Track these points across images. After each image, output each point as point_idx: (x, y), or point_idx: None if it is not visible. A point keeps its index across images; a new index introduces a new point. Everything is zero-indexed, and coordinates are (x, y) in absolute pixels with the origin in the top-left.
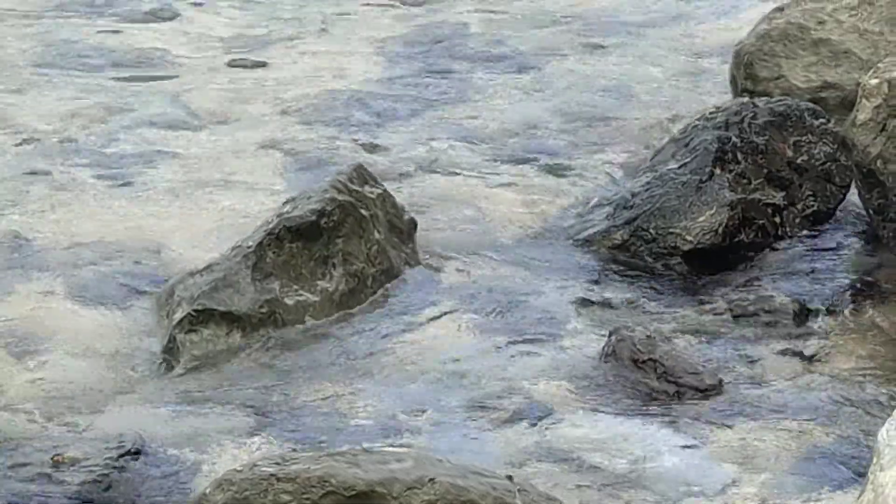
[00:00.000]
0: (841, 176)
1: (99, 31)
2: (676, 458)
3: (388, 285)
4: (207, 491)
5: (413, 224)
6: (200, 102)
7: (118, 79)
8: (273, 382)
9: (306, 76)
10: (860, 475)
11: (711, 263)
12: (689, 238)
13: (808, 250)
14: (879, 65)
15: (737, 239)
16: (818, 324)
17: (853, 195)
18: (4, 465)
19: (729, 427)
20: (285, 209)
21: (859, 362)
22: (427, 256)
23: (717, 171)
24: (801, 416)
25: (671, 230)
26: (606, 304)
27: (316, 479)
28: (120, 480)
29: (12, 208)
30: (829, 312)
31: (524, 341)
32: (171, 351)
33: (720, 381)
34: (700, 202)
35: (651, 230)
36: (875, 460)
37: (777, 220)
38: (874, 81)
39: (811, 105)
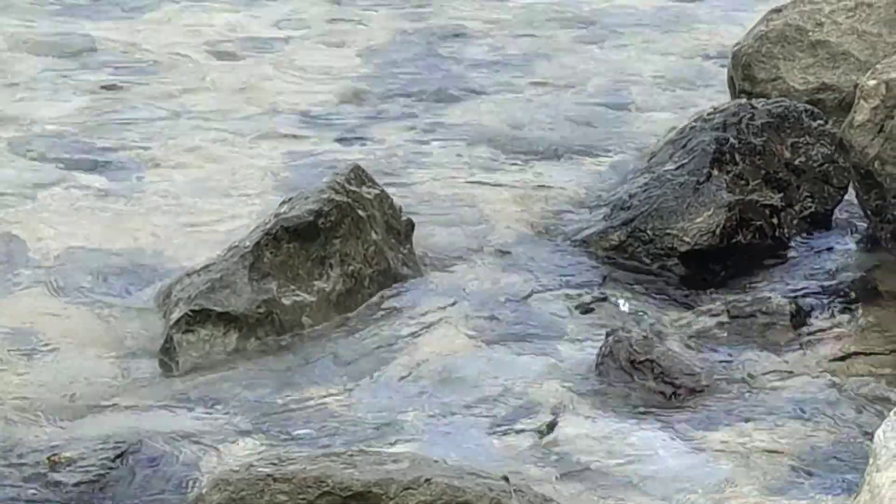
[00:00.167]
0: (839, 177)
1: (96, 31)
2: (673, 458)
3: (385, 286)
4: (204, 491)
5: (410, 225)
6: (196, 102)
7: (113, 79)
8: (270, 383)
9: (303, 76)
10: (857, 476)
11: (709, 265)
12: (686, 239)
13: (805, 252)
14: (877, 66)
15: (734, 240)
16: (815, 325)
17: (851, 196)
18: (0, 465)
19: (726, 428)
20: (282, 209)
21: (857, 364)
22: (424, 258)
23: (715, 172)
24: (798, 417)
25: (668, 231)
26: (603, 306)
27: (312, 479)
28: (116, 480)
29: (9, 209)
30: (827, 314)
31: (521, 342)
32: (168, 351)
33: (716, 381)
34: (697, 203)
35: (648, 231)
36: (871, 461)
37: (775, 221)
38: (872, 83)
39: (809, 106)
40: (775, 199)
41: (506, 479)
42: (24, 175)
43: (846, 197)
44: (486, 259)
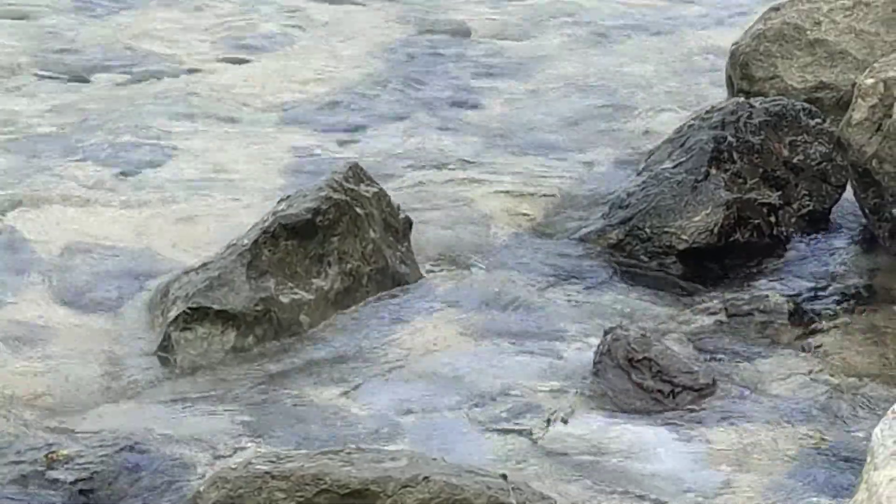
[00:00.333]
0: (836, 176)
1: (96, 29)
2: (671, 458)
3: (383, 284)
4: (202, 489)
5: (408, 223)
6: (194, 101)
7: (112, 77)
8: (268, 381)
9: (302, 75)
10: (855, 476)
11: (707, 263)
12: (684, 237)
13: (803, 250)
14: (875, 65)
15: (732, 238)
16: (813, 324)
17: (849, 195)
18: None
19: (724, 428)
20: (281, 207)
21: (855, 362)
22: (422, 256)
23: (713, 170)
24: (796, 416)
25: (666, 229)
26: (601, 304)
27: (310, 477)
28: (114, 478)
29: (6, 207)
30: (825, 312)
31: (518, 341)
32: (165, 349)
33: (714, 380)
34: (696, 202)
35: (646, 229)
36: (869, 459)
37: (772, 219)
38: (870, 81)
39: (807, 105)
40: (773, 197)
41: (504, 476)
42: (22, 174)
43: (844, 195)
44: (484, 257)
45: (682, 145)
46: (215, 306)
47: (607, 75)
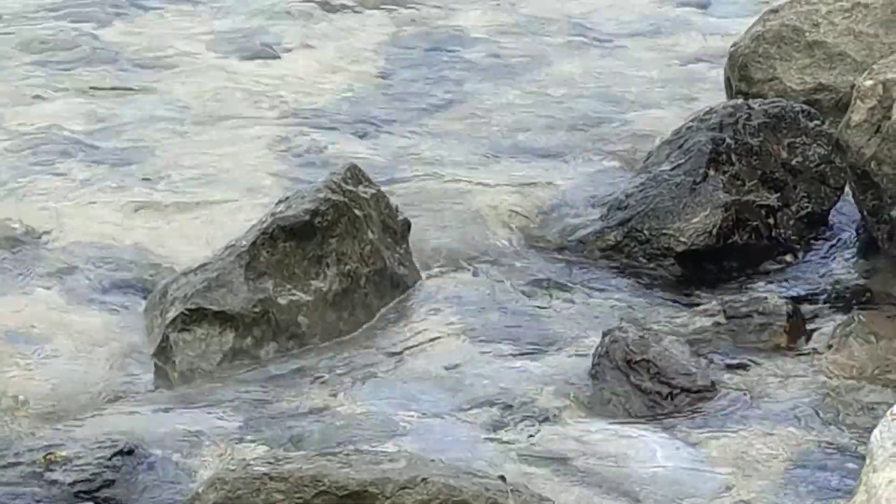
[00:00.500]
0: (835, 177)
1: (97, 29)
2: (670, 462)
3: (382, 286)
4: (200, 490)
5: (407, 225)
6: (196, 102)
7: (113, 77)
8: (266, 382)
9: (303, 77)
10: (855, 480)
11: (705, 265)
12: (682, 239)
13: (802, 252)
14: (874, 66)
15: (731, 240)
16: (812, 326)
17: (847, 197)
18: None
19: (723, 431)
20: (279, 209)
21: (853, 365)
22: (421, 258)
23: (711, 172)
24: (794, 418)
25: (665, 231)
26: (599, 305)
27: (308, 478)
28: (112, 479)
29: (6, 208)
30: (823, 315)
31: (516, 343)
32: (164, 350)
33: (713, 382)
34: (694, 203)
35: (645, 231)
36: (868, 461)
37: (771, 221)
38: (868, 83)
39: (805, 107)
40: (772, 199)
41: (502, 478)
42: (21, 174)
43: (843, 197)
44: (482, 259)
45: (680, 147)
46: (213, 307)
47: (606, 78)
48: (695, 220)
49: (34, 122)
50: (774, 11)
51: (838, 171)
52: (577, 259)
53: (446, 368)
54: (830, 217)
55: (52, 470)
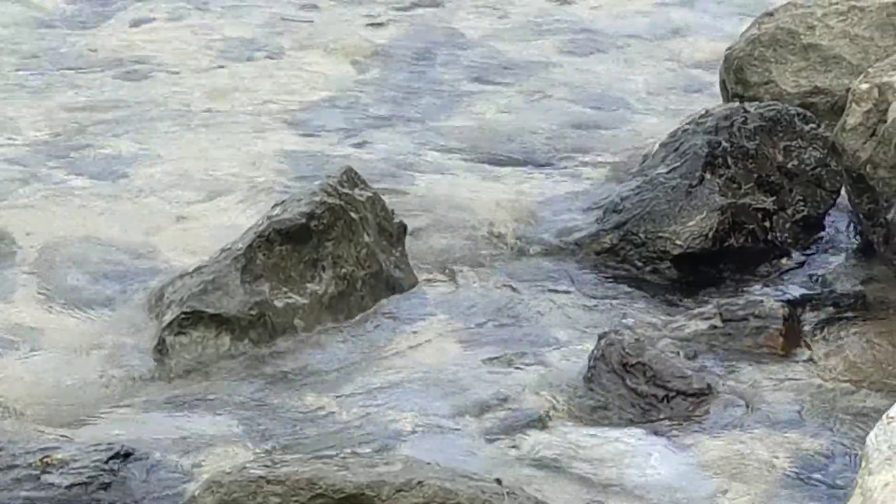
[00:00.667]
0: (831, 181)
1: (88, 35)
2: (665, 466)
3: (377, 289)
4: (197, 493)
5: (403, 228)
6: (188, 106)
7: (105, 81)
8: (262, 385)
9: (296, 80)
10: (850, 484)
11: (701, 268)
12: (678, 242)
13: (797, 255)
14: (869, 70)
15: (727, 243)
16: (807, 329)
17: (843, 200)
18: None
19: (718, 434)
20: (275, 212)
21: (849, 368)
22: (416, 261)
23: (708, 175)
24: (789, 422)
25: (661, 234)
26: (595, 309)
27: (305, 481)
28: (108, 482)
29: (2, 210)
30: (819, 318)
31: (512, 345)
32: (160, 353)
33: (709, 385)
34: (690, 206)
35: (641, 234)
36: (863, 464)
37: (767, 224)
38: (864, 86)
39: (801, 110)
40: (768, 202)
41: (498, 481)
42: (16, 177)
43: (838, 200)
44: (479, 262)
45: (676, 150)
46: (210, 310)
47: (602, 81)
48: (691, 223)
49: (25, 122)
50: (770, 14)
51: (834, 174)
52: (573, 262)
53: (442, 372)
54: (826, 220)
55: (48, 473)
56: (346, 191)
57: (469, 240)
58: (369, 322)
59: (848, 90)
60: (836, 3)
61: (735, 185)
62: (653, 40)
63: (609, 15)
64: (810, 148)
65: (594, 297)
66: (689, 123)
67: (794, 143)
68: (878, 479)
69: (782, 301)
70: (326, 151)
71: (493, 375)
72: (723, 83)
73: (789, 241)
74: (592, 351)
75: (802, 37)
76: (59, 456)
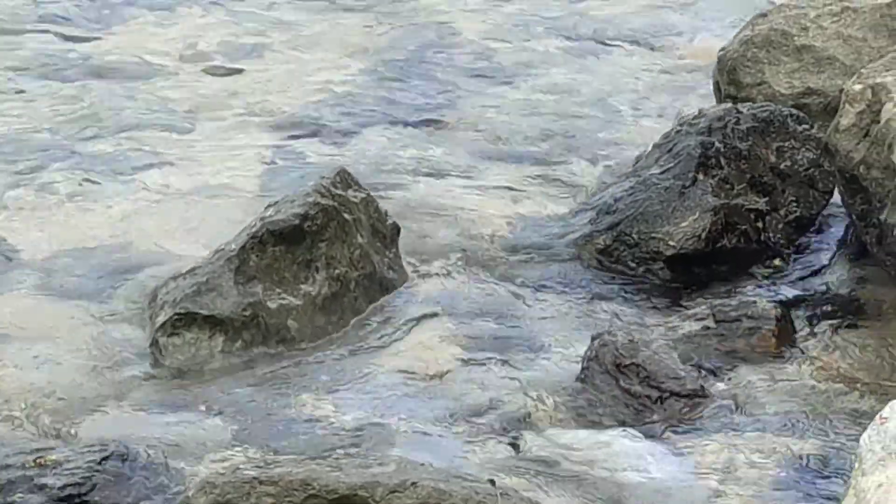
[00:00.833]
0: (824, 181)
1: (79, 39)
2: (659, 468)
3: (371, 290)
4: (190, 494)
5: (396, 229)
6: (180, 109)
7: (97, 84)
8: (255, 386)
9: (290, 82)
10: (843, 484)
11: (694, 269)
12: (671, 243)
13: (791, 256)
14: (863, 70)
15: (720, 244)
16: (801, 330)
17: (836, 201)
18: None
19: (711, 435)
20: (268, 213)
21: (842, 369)
22: (409, 263)
23: (701, 176)
24: (783, 423)
25: (654, 235)
26: (588, 309)
27: (298, 482)
28: (102, 483)
29: None
30: (812, 319)
31: (505, 347)
32: (153, 355)
33: (702, 386)
34: (683, 207)
35: (634, 235)
36: (857, 465)
37: (760, 225)
38: (857, 87)
39: (794, 111)
40: (761, 203)
41: (492, 482)
42: (10, 178)
43: (831, 201)
44: (472, 263)
45: (669, 151)
46: (203, 311)
47: (595, 82)
48: (684, 223)
49: (20, 126)
50: (763, 16)
51: (827, 175)
52: (566, 263)
53: (435, 373)
54: (819, 221)
55: (42, 474)
56: (339, 192)
57: (462, 241)
58: (363, 323)
59: (841, 91)
60: (830, 4)
61: (728, 186)
62: (646, 41)
63: (602, 16)
64: (803, 149)
65: (587, 298)
66: (682, 124)
67: (787, 143)
68: (871, 479)
69: (775, 302)
70: (319, 152)
71: (487, 376)
72: (716, 84)
73: (782, 241)
74: (586, 352)
75: (796, 38)
76: (53, 457)
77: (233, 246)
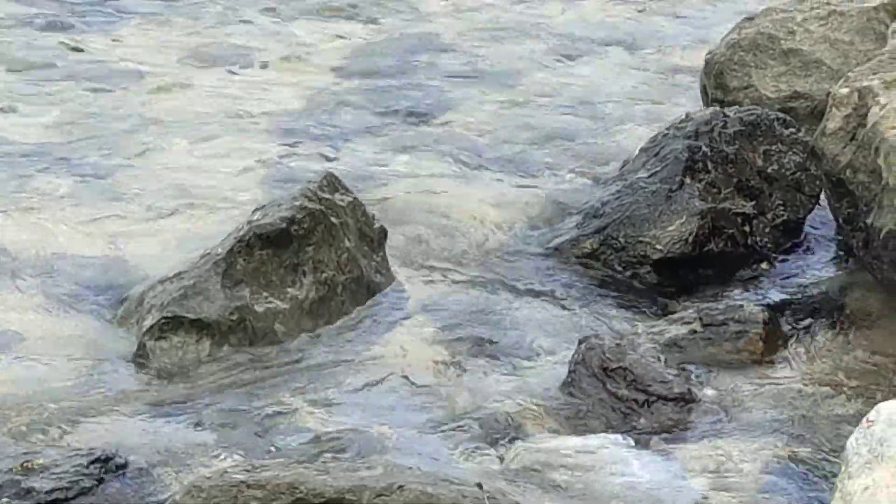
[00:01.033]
0: (811, 185)
1: (72, 41)
2: (646, 472)
3: (358, 294)
4: (177, 498)
5: (383, 233)
6: (170, 112)
7: (86, 92)
8: (243, 390)
9: (276, 87)
10: (830, 487)
11: (681, 272)
12: (658, 247)
13: (777, 260)
14: (849, 74)
15: (707, 248)
16: (787, 333)
17: (823, 204)
18: None
19: (698, 439)
20: (255, 216)
21: (829, 372)
22: (396, 266)
23: (688, 180)
24: (769, 426)
25: (641, 239)
26: (575, 313)
27: (285, 485)
28: (89, 487)
29: None
30: (798, 322)
31: (493, 351)
32: (141, 358)
33: (689, 389)
34: (670, 211)
35: (621, 239)
36: (843, 468)
37: (747, 229)
38: (844, 91)
39: (781, 115)
40: (748, 207)
41: (479, 485)
42: None
43: (818, 205)
44: (459, 267)
45: (656, 154)
46: (190, 315)
47: (582, 86)
48: (671, 227)
49: (7, 133)
50: (750, 19)
51: (814, 178)
52: (553, 266)
53: (422, 377)
54: (806, 225)
55: (29, 478)
56: (326, 196)
57: (449, 245)
58: (350, 327)
59: (828, 94)
60: (817, 8)
61: (715, 190)
62: (633, 45)
63: (589, 20)
64: (790, 152)
65: (575, 302)
66: (669, 128)
67: (773, 147)
68: (857, 482)
69: (762, 305)
70: (307, 157)
71: (474, 380)
72: (703, 88)
73: (769, 245)
74: (573, 355)
75: (783, 41)
76: (40, 461)
77: (220, 250)
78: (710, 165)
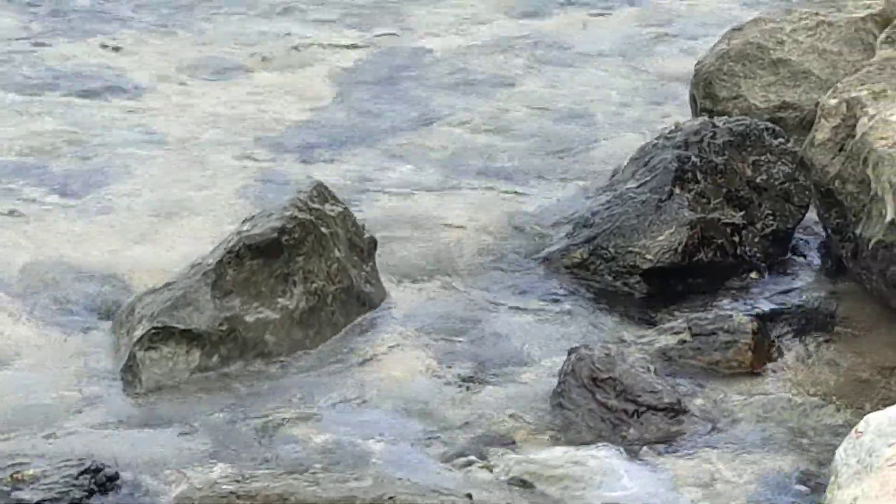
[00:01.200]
0: (799, 195)
1: (66, 51)
2: (636, 483)
3: (348, 304)
4: None
5: (373, 243)
6: (160, 126)
7: (77, 102)
8: (233, 401)
9: (266, 98)
10: (819, 497)
11: (671, 282)
12: (648, 257)
13: (767, 270)
14: (838, 85)
15: (696, 258)
16: (777, 344)
17: (812, 215)
18: None
19: (688, 450)
20: (245, 227)
21: (818, 382)
22: (386, 277)
23: (677, 190)
24: (759, 436)
25: (630, 249)
26: (565, 323)
27: (276, 496)
28: (79, 498)
29: None
30: (788, 332)
31: (482, 362)
32: (130, 369)
33: (679, 400)
34: (659, 221)
35: (610, 249)
36: (832, 479)
37: (736, 239)
38: (833, 101)
39: (770, 125)
40: (737, 217)
41: (469, 496)
42: None
43: (807, 215)
44: (449, 278)
45: (646, 164)
46: (180, 326)
47: (571, 97)
48: (660, 237)
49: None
50: (739, 29)
51: (803, 189)
52: (543, 276)
53: (411, 388)
54: (795, 235)
55: (19, 489)
56: (316, 206)
57: (439, 255)
58: (340, 337)
59: (817, 105)
60: (805, 19)
61: (704, 200)
62: (622, 56)
63: (578, 31)
64: (779, 163)
65: (564, 312)
66: (658, 138)
67: (763, 157)
68: (847, 493)
69: (751, 315)
70: (297, 169)
71: (463, 391)
72: (692, 98)
73: (758, 255)
74: (562, 366)
75: (771, 52)
76: (30, 472)
77: (210, 260)
78: (699, 175)
